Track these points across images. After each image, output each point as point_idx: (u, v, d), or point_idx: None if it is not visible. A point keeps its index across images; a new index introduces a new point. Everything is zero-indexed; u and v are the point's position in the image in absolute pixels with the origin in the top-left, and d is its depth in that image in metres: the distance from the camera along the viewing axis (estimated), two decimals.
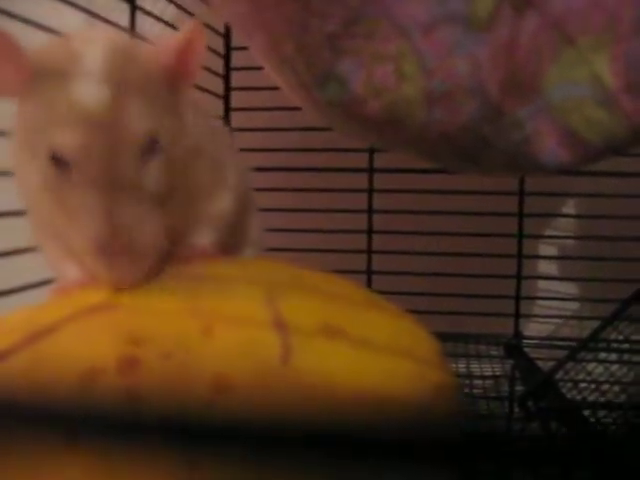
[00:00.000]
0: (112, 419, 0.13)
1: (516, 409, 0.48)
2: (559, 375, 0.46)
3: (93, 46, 0.25)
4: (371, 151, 0.60)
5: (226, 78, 0.63)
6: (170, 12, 0.57)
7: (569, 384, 0.47)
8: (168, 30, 0.53)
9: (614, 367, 0.49)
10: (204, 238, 0.30)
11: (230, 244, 0.31)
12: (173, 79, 0.26)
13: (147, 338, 0.21)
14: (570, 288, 0.64)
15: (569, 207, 0.65)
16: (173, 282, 0.24)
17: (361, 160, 0.60)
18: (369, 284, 0.61)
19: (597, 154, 0.38)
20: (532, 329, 0.64)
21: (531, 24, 0.34)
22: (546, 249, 0.65)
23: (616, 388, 0.48)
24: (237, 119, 0.62)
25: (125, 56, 0.25)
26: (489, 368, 0.58)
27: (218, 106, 0.62)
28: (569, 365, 0.47)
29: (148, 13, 0.49)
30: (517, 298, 0.59)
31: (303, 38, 0.37)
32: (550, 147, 0.37)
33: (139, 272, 0.23)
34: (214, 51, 0.61)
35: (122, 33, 0.32)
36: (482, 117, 0.37)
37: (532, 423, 0.48)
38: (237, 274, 0.25)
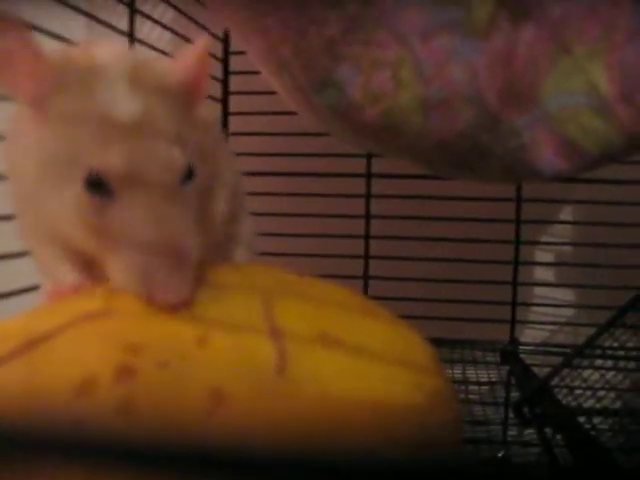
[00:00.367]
0: (106, 441, 0.13)
1: (511, 415, 0.48)
2: (555, 381, 0.46)
3: (115, 60, 0.25)
4: (369, 156, 0.60)
5: (224, 82, 0.63)
6: (169, 16, 0.57)
7: (565, 390, 0.47)
8: (166, 34, 0.53)
9: (610, 374, 0.49)
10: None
11: (221, 243, 0.31)
12: (189, 94, 0.26)
13: (144, 346, 0.21)
14: (566, 295, 0.64)
15: (566, 214, 0.65)
16: None
17: (359, 165, 0.60)
18: (366, 289, 0.61)
19: (594, 162, 0.38)
20: (528, 335, 0.64)
21: (528, 34, 0.34)
22: (543, 255, 0.65)
23: (612, 395, 0.48)
24: (235, 123, 0.62)
25: (147, 69, 0.25)
26: (485, 374, 0.58)
27: (216, 110, 0.62)
28: (565, 371, 0.47)
29: (147, 16, 0.49)
30: (513, 304, 0.59)
31: (301, 43, 0.37)
32: (547, 155, 0.37)
33: (189, 287, 0.22)
34: (212, 55, 0.60)
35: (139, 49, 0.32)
36: (479, 125, 0.37)
37: (527, 429, 0.48)
38: (233, 281, 0.25)
